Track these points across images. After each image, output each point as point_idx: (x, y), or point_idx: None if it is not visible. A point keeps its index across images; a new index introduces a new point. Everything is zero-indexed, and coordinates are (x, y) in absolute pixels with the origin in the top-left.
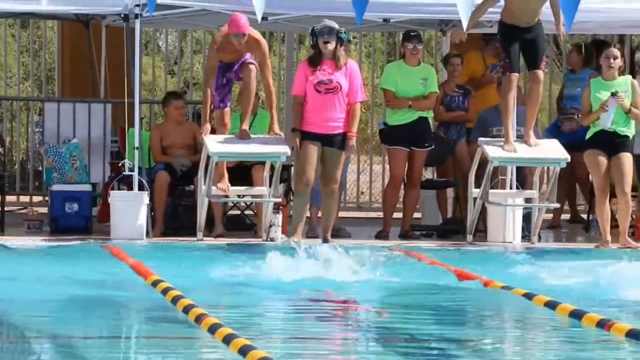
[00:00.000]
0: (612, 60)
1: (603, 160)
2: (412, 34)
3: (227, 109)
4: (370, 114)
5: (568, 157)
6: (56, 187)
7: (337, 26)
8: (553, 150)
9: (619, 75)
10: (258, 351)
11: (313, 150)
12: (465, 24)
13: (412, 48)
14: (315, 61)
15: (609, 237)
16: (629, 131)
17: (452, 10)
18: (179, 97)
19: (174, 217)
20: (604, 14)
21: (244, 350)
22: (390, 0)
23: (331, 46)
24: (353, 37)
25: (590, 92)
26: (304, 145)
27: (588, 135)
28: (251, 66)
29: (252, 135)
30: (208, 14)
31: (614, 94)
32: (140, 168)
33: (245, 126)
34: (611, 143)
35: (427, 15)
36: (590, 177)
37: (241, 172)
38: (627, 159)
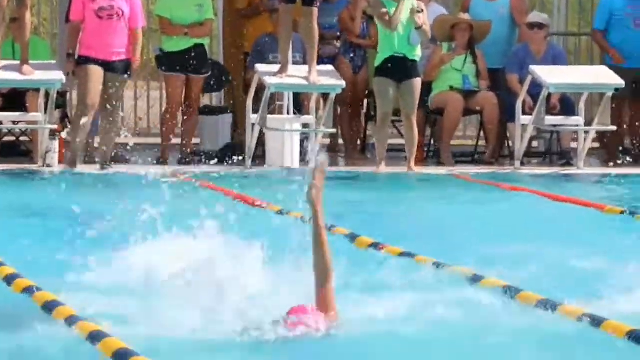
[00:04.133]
0: None
1: (392, 87)
2: None
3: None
4: (146, 40)
5: (343, 83)
6: None
7: None
8: (329, 77)
9: None
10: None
11: (96, 74)
12: None
13: None
14: None
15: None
16: (417, 55)
17: None
18: None
19: None
20: None
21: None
22: None
23: None
24: None
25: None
26: (86, 69)
27: (377, 62)
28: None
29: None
30: None
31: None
32: None
33: (25, 58)
34: (402, 68)
35: None
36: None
37: (15, 99)
38: (417, 84)
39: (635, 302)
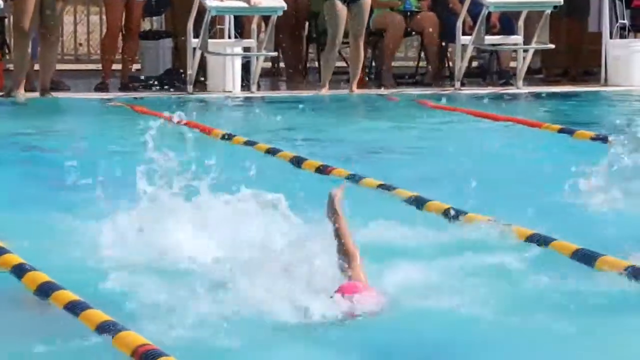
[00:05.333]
0: None
1: (344, 10)
2: None
3: None
4: None
5: (284, 5)
6: None
7: None
8: None
9: None
10: None
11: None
12: None
13: None
14: None
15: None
16: None
17: None
18: None
19: None
20: None
21: None
22: None
23: None
24: None
25: None
26: None
27: None
28: None
29: None
30: None
31: None
32: None
33: None
34: None
35: None
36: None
37: None
38: (367, 5)
39: (576, 218)
